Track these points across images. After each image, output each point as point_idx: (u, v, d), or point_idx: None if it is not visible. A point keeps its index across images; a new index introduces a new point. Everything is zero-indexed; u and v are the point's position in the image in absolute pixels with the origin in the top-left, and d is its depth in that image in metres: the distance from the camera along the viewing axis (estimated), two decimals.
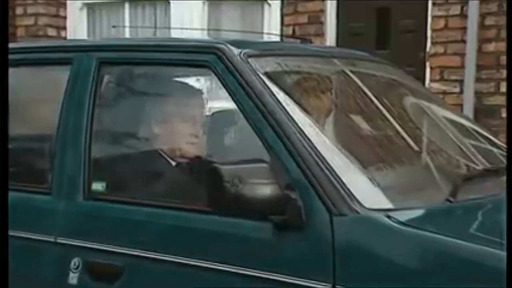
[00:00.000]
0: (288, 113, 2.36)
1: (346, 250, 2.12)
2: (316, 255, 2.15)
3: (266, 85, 2.42)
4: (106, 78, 2.75)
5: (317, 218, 2.16)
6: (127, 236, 2.47)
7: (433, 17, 6.36)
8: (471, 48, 6.09)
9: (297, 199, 2.17)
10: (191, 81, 2.78)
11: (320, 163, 2.24)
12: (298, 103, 2.50)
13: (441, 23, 6.32)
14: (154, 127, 2.72)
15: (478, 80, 6.15)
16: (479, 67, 6.13)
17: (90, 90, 2.68)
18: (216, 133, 2.75)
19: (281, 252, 2.18)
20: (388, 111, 2.77)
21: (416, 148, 2.69)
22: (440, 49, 6.35)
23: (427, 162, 2.67)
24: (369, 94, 2.76)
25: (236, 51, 2.48)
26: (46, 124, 2.82)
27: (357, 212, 2.16)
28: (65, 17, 8.16)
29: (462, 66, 6.18)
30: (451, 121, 3.11)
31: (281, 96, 2.44)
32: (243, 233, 2.26)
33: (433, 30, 6.40)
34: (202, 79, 2.70)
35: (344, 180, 2.23)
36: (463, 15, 6.16)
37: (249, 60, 2.49)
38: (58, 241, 2.57)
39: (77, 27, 8.12)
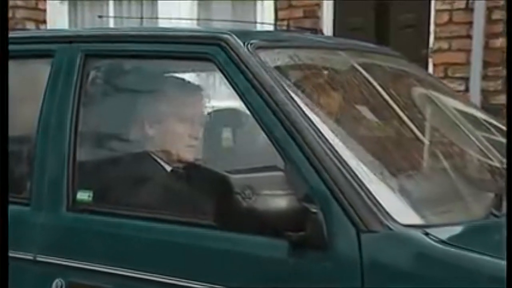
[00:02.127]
0: (304, 112, 2.11)
1: (377, 273, 1.88)
2: (340, 278, 1.93)
3: (277, 80, 2.18)
4: (92, 72, 2.53)
5: (341, 235, 1.94)
6: (117, 253, 2.25)
7: (437, 11, 6.11)
8: (477, 43, 5.86)
9: (318, 212, 1.94)
10: (191, 76, 2.55)
11: (344, 171, 1.99)
12: (314, 101, 2.26)
13: (445, 17, 6.07)
14: (147, 128, 2.47)
15: (484, 77, 5.91)
16: (485, 64, 5.89)
17: (75, 86, 2.45)
18: (220, 136, 2.54)
19: (298, 274, 1.97)
20: (413, 112, 2.51)
21: (448, 152, 2.41)
22: (444, 45, 6.10)
23: (462, 168, 2.41)
24: (392, 92, 2.48)
25: (242, 42, 2.24)
26: (24, 124, 2.59)
27: (389, 229, 1.91)
28: (44, 10, 7.85)
29: (467, 63, 5.95)
30: (477, 120, 2.83)
31: (295, 93, 2.19)
32: (253, 251, 2.04)
33: (436, 25, 6.15)
34: (203, 74, 2.50)
35: (372, 190, 1.97)
36: (469, 9, 5.92)
37: (258, 52, 2.25)
38: (38, 259, 2.36)
39: (58, 21, 7.83)
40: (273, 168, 2.00)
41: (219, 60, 2.22)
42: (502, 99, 5.69)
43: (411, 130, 2.44)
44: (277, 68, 2.27)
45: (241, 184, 1.90)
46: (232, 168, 2.03)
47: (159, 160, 2.42)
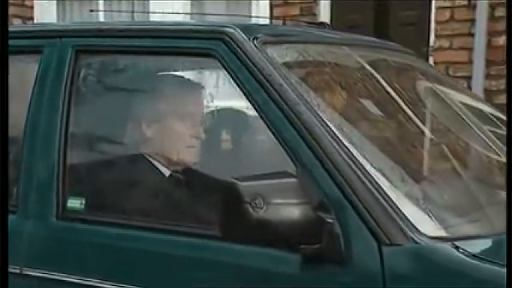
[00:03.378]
0: (316, 112, 1.96)
1: None
2: None
3: (286, 78, 2.02)
4: (84, 69, 2.39)
5: (361, 249, 1.79)
6: (112, 267, 2.11)
7: (437, 8, 5.99)
8: (479, 41, 5.74)
9: (334, 223, 1.79)
10: (191, 74, 2.40)
11: (362, 176, 1.84)
12: (326, 100, 2.11)
13: (446, 14, 5.94)
14: (145, 129, 2.32)
15: (487, 76, 5.79)
16: (488, 63, 5.76)
17: (65, 84, 2.32)
18: (223, 139, 2.38)
19: None
20: (430, 112, 2.35)
21: (467, 156, 2.25)
22: (445, 43, 5.97)
23: (482, 172, 2.24)
24: (408, 91, 2.33)
25: (247, 36, 2.09)
26: (10, 126, 2.37)
27: (415, 242, 1.75)
28: (32, 7, 7.72)
29: (469, 62, 5.82)
30: (495, 119, 2.68)
31: (305, 91, 2.04)
32: (263, 265, 1.89)
33: (437, 23, 6.02)
34: (204, 71, 2.36)
35: (394, 198, 1.81)
36: (471, 6, 5.81)
37: (264, 47, 2.10)
38: (24, 272, 2.21)
39: (46, 19, 7.70)
40: (284, 174, 1.85)
41: (223, 56, 2.08)
42: (505, 98, 5.56)
43: (430, 132, 2.28)
44: (285, 64, 2.12)
45: (250, 192, 1.76)
46: (237, 174, 1.89)
47: (157, 164, 2.28)
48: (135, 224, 2.11)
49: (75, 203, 2.22)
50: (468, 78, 5.83)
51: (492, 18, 5.73)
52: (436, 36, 6.03)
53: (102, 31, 2.45)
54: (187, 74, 2.40)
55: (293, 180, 1.82)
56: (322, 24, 2.72)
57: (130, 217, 2.15)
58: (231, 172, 1.95)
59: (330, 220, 1.78)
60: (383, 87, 2.30)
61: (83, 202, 2.22)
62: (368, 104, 2.23)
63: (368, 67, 2.38)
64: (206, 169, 2.22)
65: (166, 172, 2.26)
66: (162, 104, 2.37)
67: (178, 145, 2.30)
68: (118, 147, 2.38)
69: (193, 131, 2.30)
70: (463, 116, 2.52)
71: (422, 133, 2.28)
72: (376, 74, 2.37)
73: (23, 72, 2.54)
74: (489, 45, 5.76)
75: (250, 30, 2.16)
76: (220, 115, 2.37)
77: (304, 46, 2.32)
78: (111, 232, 2.14)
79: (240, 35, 2.09)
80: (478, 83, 5.73)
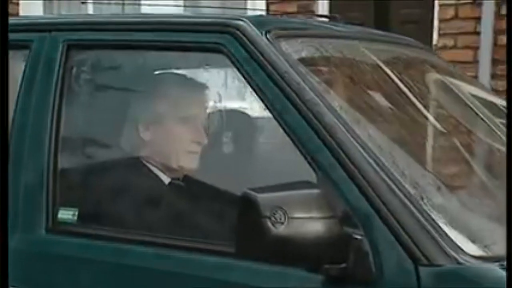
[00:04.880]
0: (338, 114, 1.78)
1: None
2: None
3: (305, 76, 1.85)
4: (77, 66, 2.25)
5: (393, 269, 1.60)
6: (109, 287, 1.95)
7: (441, 5, 5.89)
8: (485, 40, 5.62)
9: (362, 239, 1.61)
10: (197, 72, 2.23)
11: (393, 186, 1.65)
12: (349, 101, 1.93)
13: (450, 12, 5.82)
14: (144, 133, 2.18)
15: (493, 76, 5.67)
16: (494, 62, 5.64)
17: (56, 82, 2.17)
18: (234, 144, 2.19)
19: None
20: (461, 115, 2.17)
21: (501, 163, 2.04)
22: (449, 41, 5.85)
23: None
24: (436, 91, 2.14)
25: (260, 29, 1.93)
26: None
27: (458, 262, 1.55)
28: (17, 4, 7.64)
29: (475, 61, 5.70)
30: None
31: (326, 91, 1.87)
32: (283, 287, 1.70)
33: (440, 21, 5.91)
34: (212, 68, 2.16)
35: (431, 211, 1.62)
36: (476, 3, 5.69)
37: (278, 41, 1.93)
38: None
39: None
40: (305, 184, 1.67)
41: (233, 52, 1.92)
42: None
43: (461, 136, 2.09)
44: (302, 61, 1.94)
45: (269, 205, 1.58)
46: (250, 183, 1.72)
47: (158, 172, 2.14)
48: (134, 238, 1.95)
49: (66, 214, 2.08)
50: (474, 78, 5.71)
51: (498, 15, 5.62)
52: (439, 34, 5.92)
53: (96, 24, 2.31)
54: (192, 72, 2.25)
55: (315, 191, 1.64)
56: (334, 18, 2.52)
57: (129, 230, 1.99)
58: (243, 181, 1.80)
59: (357, 236, 1.61)
60: (408, 86, 2.12)
61: (76, 213, 2.07)
62: (394, 105, 2.05)
63: (389, 64, 2.21)
64: (214, 177, 2.06)
65: (170, 181, 2.12)
66: (163, 105, 2.20)
67: (181, 151, 2.15)
68: (114, 152, 2.24)
69: (198, 135, 2.15)
70: (491, 117, 2.34)
71: (454, 137, 2.09)
72: (398, 73, 2.20)
73: (10, 69, 2.28)
74: (496, 44, 5.65)
75: (261, 22, 2.00)
76: (229, 117, 2.22)
77: (320, 40, 2.14)
78: (108, 247, 1.98)
79: (251, 28, 1.92)
80: (484, 83, 5.61)
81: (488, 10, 5.59)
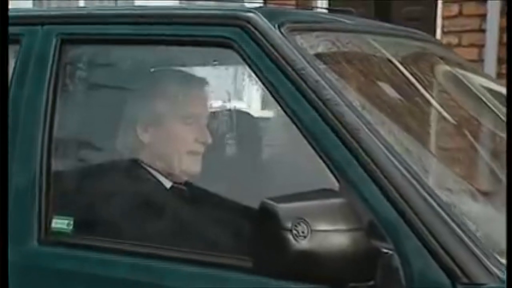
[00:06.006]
0: (361, 115, 1.64)
1: None
2: None
3: (323, 73, 1.71)
4: (71, 62, 2.14)
5: None
6: None
7: (444, 2, 5.82)
8: (491, 38, 5.52)
9: (393, 255, 1.49)
10: (204, 69, 2.12)
11: (424, 193, 1.51)
12: (372, 100, 1.79)
13: (454, 9, 5.75)
14: (141, 134, 2.06)
15: (499, 75, 5.53)
16: (500, 61, 5.55)
17: (48, 80, 2.06)
18: (245, 147, 2.06)
19: None
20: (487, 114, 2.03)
21: None
22: (453, 39, 5.76)
23: None
24: (462, 88, 2.00)
25: (272, 22, 1.81)
26: None
27: (502, 281, 1.40)
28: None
29: (480, 59, 5.60)
30: None
31: (346, 89, 1.73)
32: None
33: (444, 18, 5.85)
34: (220, 65, 2.05)
35: (469, 222, 1.49)
36: (481, 0, 5.61)
37: (293, 36, 1.80)
38: None
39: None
40: (328, 192, 1.53)
41: (242, 46, 1.79)
42: None
43: (491, 136, 1.96)
44: (318, 56, 1.81)
45: (291, 216, 1.44)
46: (264, 190, 1.61)
47: (159, 176, 2.01)
48: (135, 250, 1.81)
49: (61, 223, 1.96)
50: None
51: (504, 13, 5.48)
52: (443, 32, 5.84)
53: (91, 17, 2.17)
54: (198, 70, 2.14)
55: (338, 200, 1.50)
56: (348, 11, 2.39)
57: (130, 241, 1.86)
58: (256, 188, 1.69)
59: (386, 251, 1.48)
60: (429, 83, 1.99)
61: (71, 222, 1.95)
62: (418, 104, 1.91)
63: (411, 61, 2.08)
64: (222, 181, 1.93)
65: (172, 185, 1.98)
66: (162, 103, 2.08)
67: (184, 152, 2.02)
68: (112, 155, 2.12)
69: (202, 134, 2.03)
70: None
71: (482, 139, 1.97)
72: (419, 69, 2.06)
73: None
74: (501, 42, 5.56)
75: (273, 15, 1.87)
76: (239, 118, 2.09)
77: (336, 35, 2.01)
78: (105, 259, 1.85)
79: (263, 21, 1.80)
80: None
81: (493, 7, 5.50)
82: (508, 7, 4.82)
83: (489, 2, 5.53)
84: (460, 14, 5.72)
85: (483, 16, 5.59)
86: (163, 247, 1.78)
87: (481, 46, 5.61)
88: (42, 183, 1.99)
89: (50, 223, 1.95)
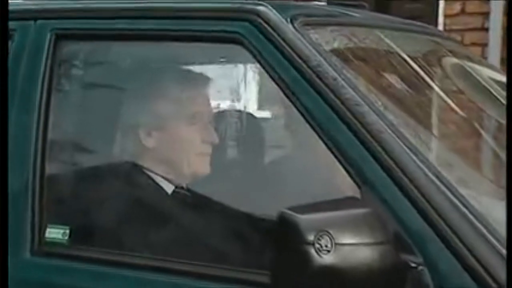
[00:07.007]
0: (383, 115, 1.54)
1: None
2: None
3: (341, 70, 1.61)
4: (66, 60, 2.06)
5: None
6: None
7: (446, 0, 5.77)
8: (494, 37, 5.51)
9: (423, 269, 1.39)
10: (210, 66, 2.02)
11: (456, 201, 1.41)
12: (394, 99, 1.70)
13: (457, 7, 5.71)
14: (144, 139, 1.95)
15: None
16: (504, 60, 5.46)
17: (43, 78, 1.98)
18: (254, 150, 1.98)
19: None
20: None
21: None
22: (456, 38, 5.63)
23: None
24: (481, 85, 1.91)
25: (284, 16, 1.72)
26: None
27: None
28: None
29: (483, 58, 5.35)
30: None
31: (366, 88, 1.63)
32: None
33: (446, 16, 5.80)
34: (229, 62, 1.96)
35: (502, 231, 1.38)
36: None
37: (306, 30, 1.71)
38: None
39: None
40: (351, 201, 1.42)
41: (252, 42, 1.70)
42: None
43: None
44: (334, 52, 1.71)
45: (313, 228, 1.33)
46: (279, 199, 1.51)
47: (163, 182, 1.90)
48: (138, 262, 1.71)
49: (56, 232, 1.86)
50: None
51: (507, 11, 5.41)
52: (445, 30, 5.67)
53: (89, 11, 2.06)
54: (203, 68, 2.04)
55: (362, 210, 1.39)
56: (361, 5, 2.29)
57: (131, 252, 1.76)
58: (271, 195, 1.58)
59: (414, 265, 1.38)
60: (458, 81, 1.90)
61: (67, 231, 1.85)
62: (445, 104, 1.82)
63: (431, 58, 2.00)
64: (237, 191, 1.83)
65: (179, 191, 1.88)
66: (165, 104, 1.98)
67: (191, 154, 1.92)
68: (111, 159, 2.02)
69: (208, 134, 1.93)
70: None
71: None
72: (437, 66, 1.98)
73: None
74: (504, 41, 5.47)
75: (285, 8, 1.78)
76: (248, 119, 1.98)
77: (351, 29, 1.92)
78: (104, 272, 1.76)
79: (274, 15, 1.70)
80: None
81: (497, 5, 5.47)
82: (508, 7, 4.81)
83: (492, 0, 5.50)
84: (462, 12, 5.68)
85: (486, 15, 5.55)
86: (168, 259, 1.67)
87: (484, 45, 5.58)
88: (36, 189, 1.90)
89: (43, 232, 1.86)
